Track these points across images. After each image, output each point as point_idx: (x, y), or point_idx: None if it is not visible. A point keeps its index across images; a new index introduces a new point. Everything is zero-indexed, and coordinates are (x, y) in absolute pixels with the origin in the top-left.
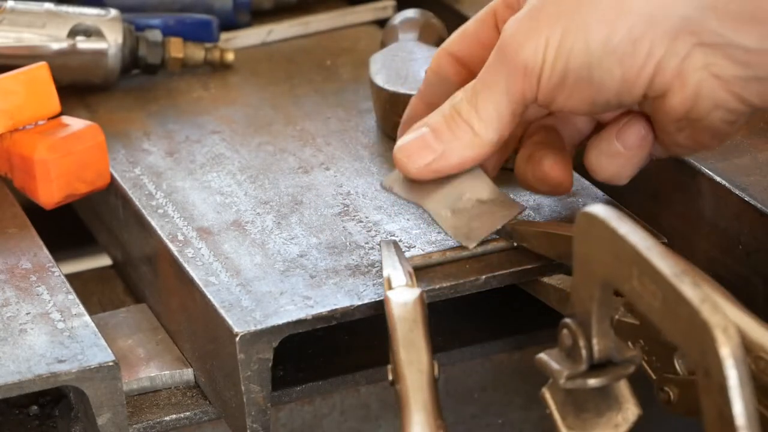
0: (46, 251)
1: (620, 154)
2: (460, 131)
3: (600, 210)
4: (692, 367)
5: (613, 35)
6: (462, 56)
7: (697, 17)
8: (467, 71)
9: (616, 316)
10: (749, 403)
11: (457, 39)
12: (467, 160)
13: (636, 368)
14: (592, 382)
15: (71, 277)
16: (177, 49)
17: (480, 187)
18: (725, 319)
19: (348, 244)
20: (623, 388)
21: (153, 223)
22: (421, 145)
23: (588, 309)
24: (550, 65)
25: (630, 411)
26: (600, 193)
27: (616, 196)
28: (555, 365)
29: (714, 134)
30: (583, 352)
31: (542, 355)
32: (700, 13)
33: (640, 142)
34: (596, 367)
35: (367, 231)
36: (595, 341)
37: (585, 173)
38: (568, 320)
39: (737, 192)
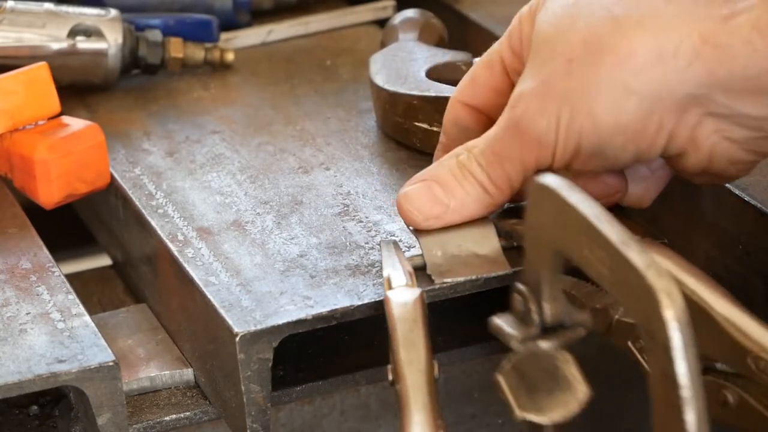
0: (46, 251)
1: (647, 178)
2: (472, 188)
3: (551, 180)
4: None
5: (621, 116)
6: (477, 104)
7: (703, 93)
8: (486, 117)
9: (616, 316)
10: (692, 364)
11: (468, 89)
12: (477, 215)
13: (587, 331)
14: (544, 344)
15: (71, 277)
16: (177, 49)
17: (483, 242)
18: (669, 283)
19: (348, 244)
20: (573, 369)
21: (153, 223)
22: (430, 197)
23: (539, 275)
24: (563, 142)
25: (580, 391)
26: None
27: None
28: (508, 329)
29: (732, 177)
30: (535, 317)
31: (495, 319)
32: (706, 90)
33: (664, 163)
34: (548, 330)
35: (367, 231)
36: (546, 306)
37: None
38: (520, 285)
39: (737, 192)
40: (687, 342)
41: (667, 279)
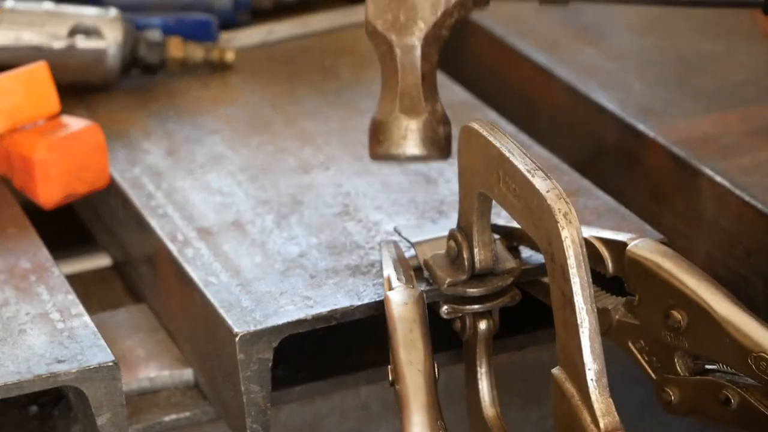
0: (46, 251)
1: None
2: None
3: (477, 124)
4: (545, 255)
5: None
6: None
7: None
8: None
9: (616, 317)
10: (585, 282)
11: None
12: None
13: (514, 279)
14: (471, 291)
15: (71, 277)
16: (177, 49)
17: None
18: (568, 206)
19: (348, 244)
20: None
21: (153, 223)
22: None
23: (470, 221)
24: None
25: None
26: (600, 192)
27: (617, 195)
28: (439, 272)
29: None
30: (466, 263)
31: (429, 258)
32: None
33: None
34: (477, 276)
35: (367, 231)
36: (476, 252)
37: (585, 172)
38: (455, 230)
39: (737, 192)
40: (580, 260)
41: (566, 202)
